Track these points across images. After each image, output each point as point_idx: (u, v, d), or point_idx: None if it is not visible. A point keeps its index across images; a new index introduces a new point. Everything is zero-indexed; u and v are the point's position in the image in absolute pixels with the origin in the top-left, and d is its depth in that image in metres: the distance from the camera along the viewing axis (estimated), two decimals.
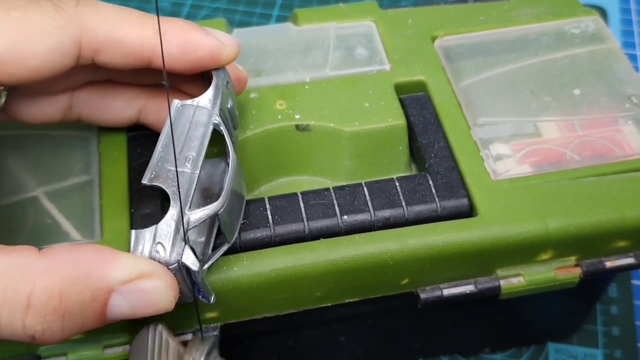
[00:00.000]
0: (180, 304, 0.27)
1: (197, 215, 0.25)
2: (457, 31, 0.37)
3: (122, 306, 0.23)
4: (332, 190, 0.30)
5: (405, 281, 0.29)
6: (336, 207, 0.29)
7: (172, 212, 0.24)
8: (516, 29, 0.37)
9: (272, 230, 0.29)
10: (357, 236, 0.29)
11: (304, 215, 0.29)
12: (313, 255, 0.28)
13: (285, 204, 0.29)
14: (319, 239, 0.29)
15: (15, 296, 0.22)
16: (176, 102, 0.27)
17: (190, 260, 0.24)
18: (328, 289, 0.29)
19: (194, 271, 0.24)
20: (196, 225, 0.25)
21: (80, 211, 0.30)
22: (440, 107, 0.33)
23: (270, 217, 0.29)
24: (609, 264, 0.31)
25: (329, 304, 0.30)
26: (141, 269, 0.24)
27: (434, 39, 0.36)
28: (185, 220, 0.24)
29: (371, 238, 0.28)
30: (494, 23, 0.37)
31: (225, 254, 0.28)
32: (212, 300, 0.26)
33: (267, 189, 0.32)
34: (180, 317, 0.28)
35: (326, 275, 0.28)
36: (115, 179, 0.30)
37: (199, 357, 0.26)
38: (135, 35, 0.26)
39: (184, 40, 0.26)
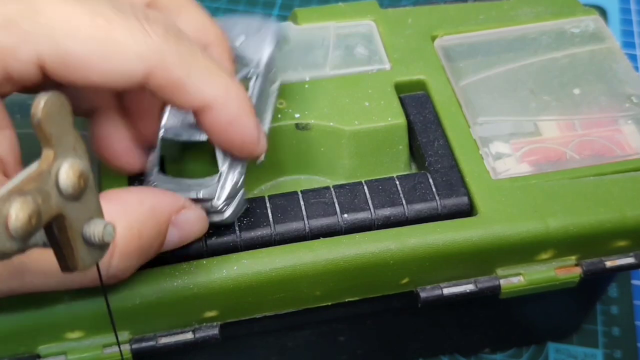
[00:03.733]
0: (179, 302, 0.27)
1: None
2: (457, 30, 0.37)
3: (174, 236, 0.26)
4: (332, 189, 0.30)
5: (405, 280, 0.29)
6: (336, 205, 0.29)
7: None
8: (516, 28, 0.37)
9: (272, 229, 0.29)
10: (357, 235, 0.28)
11: (304, 213, 0.29)
12: (313, 254, 0.28)
13: (285, 202, 0.29)
14: (319, 238, 0.29)
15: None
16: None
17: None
18: (328, 288, 0.29)
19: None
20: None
21: None
22: (440, 106, 0.33)
23: (270, 215, 0.29)
24: (609, 263, 0.31)
25: (329, 303, 0.30)
26: (183, 200, 0.26)
27: (433, 38, 0.36)
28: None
29: (371, 237, 0.28)
30: (493, 22, 0.37)
31: (226, 252, 0.28)
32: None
33: (267, 188, 0.32)
34: (179, 316, 0.28)
35: (326, 274, 0.28)
36: (115, 178, 0.30)
37: None
38: (201, 91, 0.25)
39: (236, 117, 0.26)
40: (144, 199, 0.25)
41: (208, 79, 0.25)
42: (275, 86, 0.30)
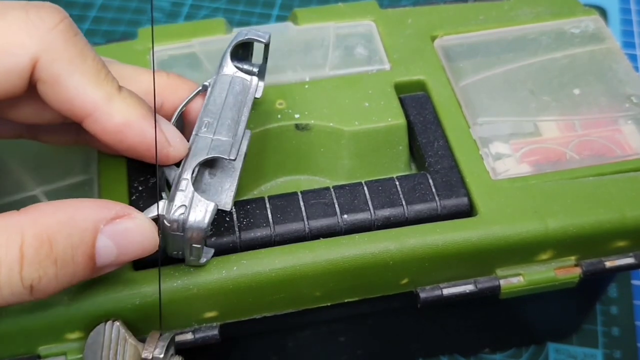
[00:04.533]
0: (179, 303, 0.27)
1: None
2: (456, 31, 0.37)
3: (109, 247, 0.24)
4: (332, 190, 0.30)
5: (405, 281, 0.29)
6: (336, 206, 0.29)
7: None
8: (516, 28, 0.37)
9: (272, 230, 0.29)
10: (356, 236, 0.28)
11: (304, 214, 0.29)
12: (312, 255, 0.28)
13: (285, 203, 0.29)
14: (319, 238, 0.29)
15: (9, 252, 0.22)
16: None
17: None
18: (328, 288, 0.29)
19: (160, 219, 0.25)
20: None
21: None
22: (440, 107, 0.33)
23: (270, 216, 0.29)
24: (608, 263, 0.31)
25: (329, 304, 0.30)
26: (119, 209, 0.24)
27: (433, 38, 0.36)
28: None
29: (371, 238, 0.28)
30: (493, 23, 0.37)
31: (225, 253, 0.28)
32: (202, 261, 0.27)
33: (266, 189, 0.32)
34: (179, 317, 0.28)
35: (326, 275, 0.28)
36: (114, 179, 0.30)
37: (158, 353, 0.25)
38: (82, 91, 0.25)
39: (124, 123, 0.26)
40: (61, 209, 0.24)
41: (91, 84, 0.25)
42: (250, 86, 0.29)
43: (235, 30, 0.37)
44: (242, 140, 0.28)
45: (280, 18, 0.58)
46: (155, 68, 0.34)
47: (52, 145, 0.31)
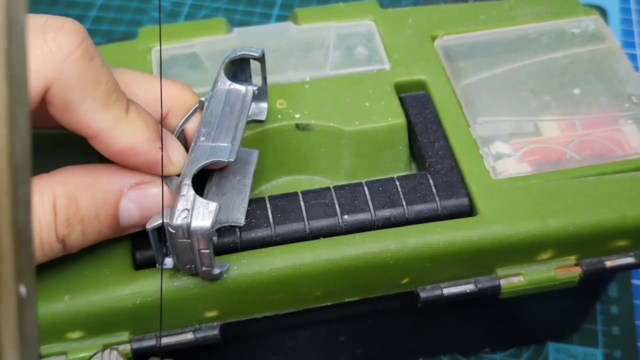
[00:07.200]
0: (180, 302, 0.27)
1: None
2: (457, 30, 0.37)
3: (132, 210, 0.26)
4: (332, 190, 0.30)
5: (405, 280, 0.29)
6: (337, 206, 0.29)
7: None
8: (516, 28, 0.37)
9: (272, 230, 0.29)
10: (357, 235, 0.28)
11: (304, 214, 0.29)
12: (313, 254, 0.28)
13: (285, 203, 0.29)
14: (319, 239, 0.29)
15: (45, 211, 0.25)
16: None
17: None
18: (328, 288, 0.29)
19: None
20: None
21: None
22: (440, 107, 0.33)
23: (270, 216, 0.29)
24: (609, 263, 0.31)
25: (329, 304, 0.30)
26: (143, 177, 0.27)
27: (434, 38, 0.36)
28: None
29: (371, 237, 0.28)
30: (494, 22, 0.37)
31: (226, 253, 0.28)
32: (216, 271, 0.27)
33: (267, 188, 0.32)
34: (179, 316, 0.28)
35: (326, 274, 0.28)
36: None
37: None
38: (91, 116, 0.25)
39: (129, 147, 0.26)
40: (89, 171, 0.26)
41: (100, 109, 0.25)
42: (246, 94, 0.29)
43: (236, 30, 0.37)
44: (240, 143, 0.28)
45: (281, 18, 0.58)
46: (157, 68, 0.34)
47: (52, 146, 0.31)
